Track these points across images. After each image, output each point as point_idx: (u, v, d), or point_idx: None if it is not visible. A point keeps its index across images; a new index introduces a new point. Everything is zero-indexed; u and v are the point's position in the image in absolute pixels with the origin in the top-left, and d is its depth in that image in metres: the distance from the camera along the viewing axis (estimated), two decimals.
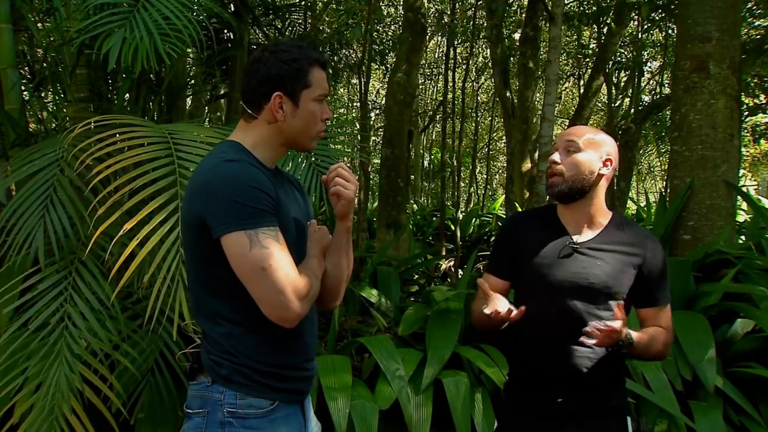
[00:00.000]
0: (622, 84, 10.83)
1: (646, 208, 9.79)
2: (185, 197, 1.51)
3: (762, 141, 12.21)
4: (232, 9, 4.65)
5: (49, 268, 2.79)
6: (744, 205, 7.70)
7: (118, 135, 2.59)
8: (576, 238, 1.85)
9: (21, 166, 2.87)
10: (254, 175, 1.44)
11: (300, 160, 3.46)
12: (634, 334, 1.76)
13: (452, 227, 8.35)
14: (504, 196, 10.08)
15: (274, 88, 1.51)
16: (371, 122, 13.06)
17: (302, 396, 1.61)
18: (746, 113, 9.20)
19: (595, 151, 1.82)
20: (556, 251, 1.84)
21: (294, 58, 1.53)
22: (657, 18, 8.24)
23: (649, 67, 11.52)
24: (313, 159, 3.61)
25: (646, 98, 11.24)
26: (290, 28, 5.96)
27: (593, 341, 1.66)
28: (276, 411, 1.50)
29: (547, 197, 1.94)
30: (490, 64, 11.26)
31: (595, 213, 1.86)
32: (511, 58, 9.62)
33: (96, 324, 2.66)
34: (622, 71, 10.41)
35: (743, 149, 12.69)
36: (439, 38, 13.72)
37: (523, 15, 9.12)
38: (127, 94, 3.51)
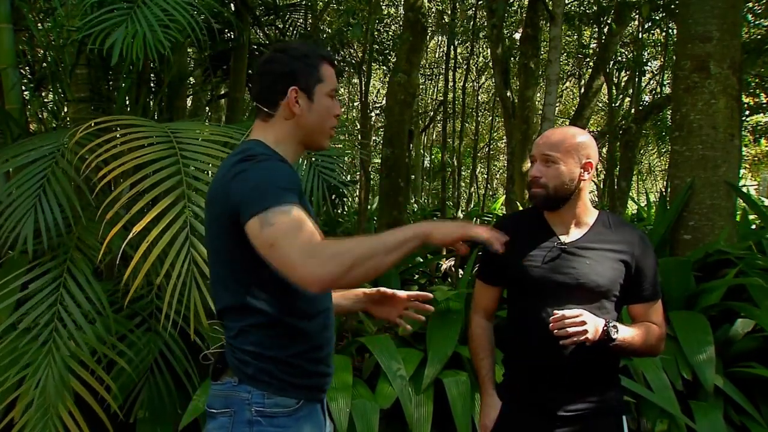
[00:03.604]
0: (623, 84, 10.82)
1: (646, 208, 9.79)
2: (211, 193, 1.52)
3: (762, 141, 12.21)
4: (233, 9, 4.65)
5: (40, 267, 2.78)
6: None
7: (119, 136, 2.59)
8: (563, 239, 1.85)
9: (16, 156, 2.86)
10: (281, 166, 1.48)
11: (301, 159, 3.46)
12: (621, 326, 1.77)
13: None
14: (504, 195, 10.08)
15: (289, 84, 1.56)
16: (372, 122, 13.06)
17: (322, 394, 1.63)
18: (747, 113, 9.20)
19: (574, 158, 1.82)
20: (544, 252, 1.84)
21: (305, 54, 1.58)
22: (657, 18, 8.23)
23: (650, 66, 11.51)
24: (314, 159, 3.61)
25: (647, 98, 11.23)
26: (291, 28, 5.96)
27: (571, 339, 1.68)
28: (301, 410, 1.52)
29: None
30: (490, 63, 11.26)
31: (580, 213, 1.87)
32: (512, 58, 9.61)
33: (86, 325, 2.65)
34: (623, 71, 10.40)
35: (744, 149, 12.69)
36: (440, 38, 13.71)
37: (524, 15, 9.11)
38: (127, 94, 3.51)
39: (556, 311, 1.70)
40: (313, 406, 1.58)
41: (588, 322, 1.68)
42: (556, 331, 1.68)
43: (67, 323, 2.66)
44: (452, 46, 8.23)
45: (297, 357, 1.52)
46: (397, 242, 1.37)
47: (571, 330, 1.67)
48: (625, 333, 1.76)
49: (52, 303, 2.70)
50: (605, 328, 1.72)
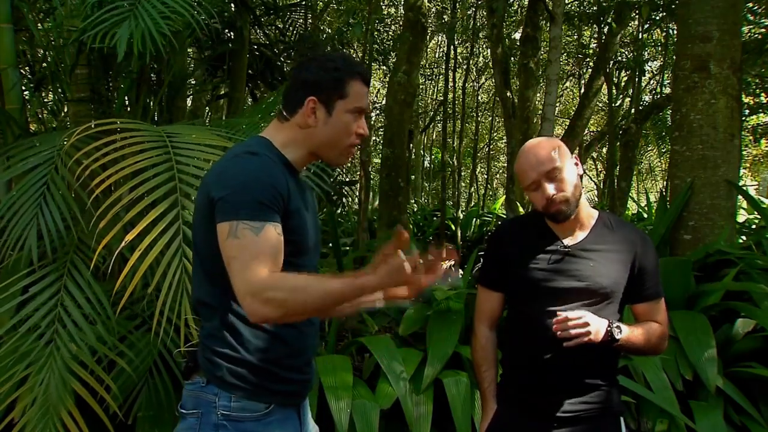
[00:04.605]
0: (623, 84, 10.83)
1: (646, 208, 9.79)
2: (201, 185, 1.50)
3: (762, 141, 12.21)
4: (233, 9, 4.65)
5: (41, 270, 2.78)
6: (745, 204, 7.68)
7: (117, 141, 2.59)
8: (566, 241, 1.84)
9: (17, 163, 2.87)
10: (270, 171, 1.43)
11: None
12: (624, 326, 1.76)
13: (453, 227, 8.35)
14: (504, 196, 10.08)
15: (309, 93, 1.51)
16: (372, 122, 13.06)
17: (299, 400, 1.58)
18: (747, 113, 9.20)
19: (567, 159, 1.80)
20: (548, 256, 1.83)
21: (335, 67, 1.53)
22: (657, 18, 8.24)
23: (650, 66, 11.51)
24: None
25: (647, 98, 11.24)
26: (291, 28, 5.96)
27: (575, 341, 1.67)
28: (271, 414, 1.47)
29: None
30: (490, 63, 11.26)
31: (581, 215, 1.85)
32: (512, 58, 9.62)
33: (88, 329, 2.65)
34: (623, 71, 10.41)
35: (744, 149, 12.69)
36: (440, 38, 13.72)
37: (524, 14, 9.12)
38: (127, 94, 3.51)
39: (559, 313, 1.70)
40: (287, 412, 1.52)
41: (591, 323, 1.68)
42: (559, 333, 1.68)
43: (68, 324, 2.66)
44: (452, 46, 8.23)
45: (271, 363, 1.47)
46: (341, 296, 1.36)
47: (574, 332, 1.67)
48: (627, 333, 1.76)
49: (53, 306, 2.70)
50: (608, 328, 1.72)
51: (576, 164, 1.83)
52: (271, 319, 1.37)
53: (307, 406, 1.64)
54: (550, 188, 1.76)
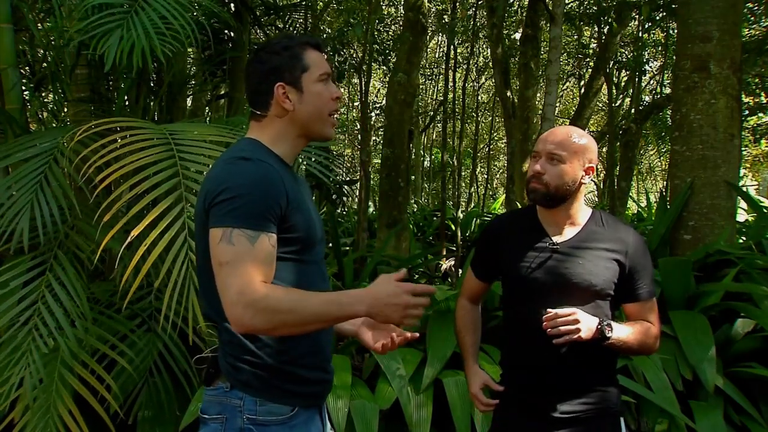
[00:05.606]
0: (623, 84, 10.82)
1: (646, 208, 9.80)
2: (199, 193, 1.49)
3: (762, 141, 12.21)
4: (233, 9, 4.65)
5: (24, 264, 2.76)
6: (744, 205, 7.68)
7: (119, 139, 2.58)
8: (556, 239, 1.85)
9: (14, 153, 2.86)
10: (267, 178, 1.41)
11: (301, 159, 3.45)
12: (615, 324, 1.76)
13: (453, 227, 8.35)
14: (504, 195, 10.08)
15: (274, 81, 1.51)
16: (372, 122, 13.06)
17: (321, 400, 1.59)
18: (747, 113, 9.20)
19: (579, 160, 1.81)
20: (536, 254, 1.83)
21: (285, 46, 1.53)
22: (658, 18, 8.23)
23: (650, 67, 11.51)
24: (313, 159, 3.60)
25: (647, 98, 11.24)
26: (291, 28, 5.97)
27: (565, 338, 1.67)
28: (296, 417, 1.47)
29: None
30: (490, 63, 11.27)
31: (574, 213, 1.86)
32: (512, 58, 9.62)
33: (68, 326, 2.63)
34: (623, 71, 10.41)
35: (744, 149, 12.69)
36: (440, 38, 13.73)
37: (524, 15, 9.12)
38: (127, 95, 3.51)
39: (549, 310, 1.70)
40: (310, 413, 1.52)
41: (581, 321, 1.67)
42: (549, 330, 1.68)
43: (49, 322, 2.65)
44: (452, 46, 8.23)
45: (292, 364, 1.47)
46: (331, 318, 1.38)
47: (563, 329, 1.66)
48: (619, 332, 1.75)
49: (33, 300, 2.68)
50: (599, 326, 1.71)
51: (586, 171, 1.83)
52: (258, 331, 1.37)
53: (326, 407, 1.65)
54: (539, 165, 1.82)
